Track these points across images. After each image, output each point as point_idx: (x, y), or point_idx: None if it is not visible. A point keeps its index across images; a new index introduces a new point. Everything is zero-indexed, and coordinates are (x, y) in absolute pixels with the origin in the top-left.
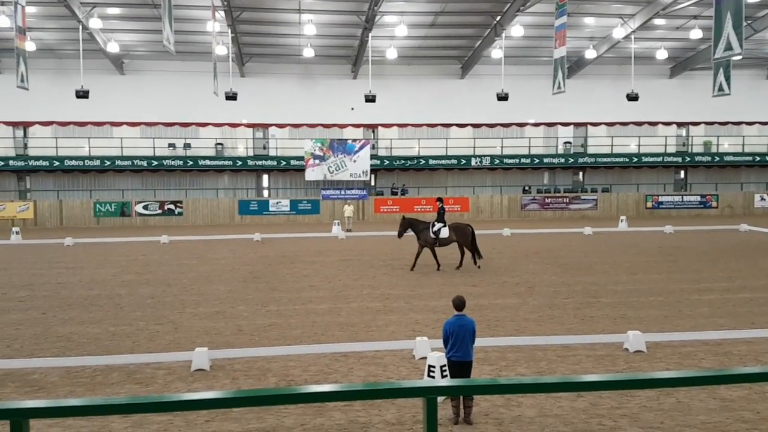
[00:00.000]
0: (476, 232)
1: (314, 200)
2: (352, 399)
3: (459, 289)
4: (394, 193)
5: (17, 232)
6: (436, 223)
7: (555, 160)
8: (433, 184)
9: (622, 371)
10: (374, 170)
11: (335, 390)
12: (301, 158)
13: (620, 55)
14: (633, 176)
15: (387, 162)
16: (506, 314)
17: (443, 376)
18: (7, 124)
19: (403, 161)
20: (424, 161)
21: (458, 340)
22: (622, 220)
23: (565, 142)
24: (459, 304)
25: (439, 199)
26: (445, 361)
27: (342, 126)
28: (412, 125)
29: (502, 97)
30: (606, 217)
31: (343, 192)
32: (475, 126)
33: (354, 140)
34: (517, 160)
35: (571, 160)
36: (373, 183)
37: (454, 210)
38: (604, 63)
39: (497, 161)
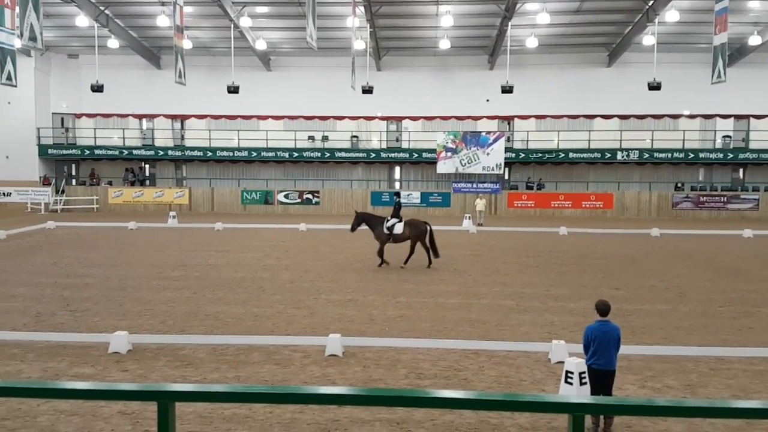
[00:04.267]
0: (624, 231)
1: (445, 193)
2: (490, 408)
3: (601, 292)
4: (529, 188)
5: (174, 217)
6: (390, 218)
7: (712, 156)
8: (573, 178)
9: None
10: (508, 163)
11: (472, 398)
12: (433, 151)
13: None
14: None
15: (522, 155)
16: (653, 321)
17: (582, 384)
18: (167, 116)
19: (540, 154)
20: (563, 154)
21: (600, 347)
22: None
23: (724, 136)
24: (604, 309)
25: (396, 194)
26: (584, 368)
27: (476, 118)
28: (551, 117)
29: (654, 87)
30: None
31: (475, 185)
32: (623, 117)
33: (488, 132)
34: (669, 155)
35: (731, 155)
36: (507, 177)
37: (596, 207)
38: None
39: (646, 155)
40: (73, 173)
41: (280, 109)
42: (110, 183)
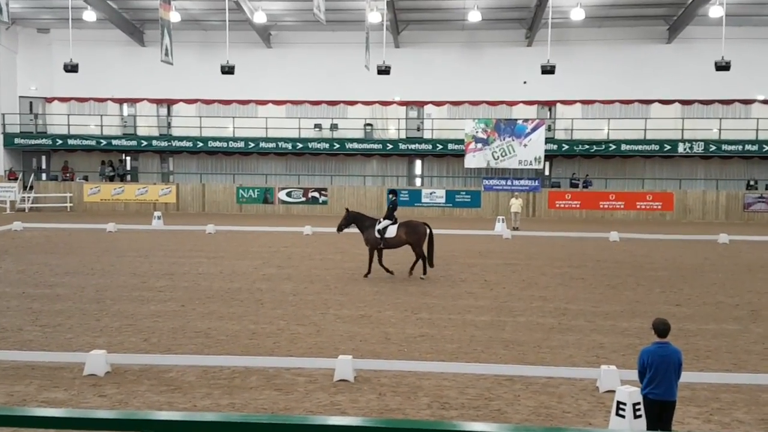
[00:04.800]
0: (686, 237)
1: (474, 191)
2: None
3: (659, 309)
4: (574, 185)
5: (159, 217)
6: (383, 219)
7: None
8: (626, 174)
9: None
10: (549, 156)
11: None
12: (460, 141)
13: None
14: None
15: (566, 147)
16: (721, 344)
17: (636, 417)
18: (151, 101)
19: (587, 146)
20: (614, 146)
21: (659, 374)
22: None
23: None
24: (663, 329)
25: (392, 191)
26: (639, 398)
27: (511, 103)
28: (600, 102)
29: (722, 67)
30: None
31: (509, 182)
32: (685, 103)
33: (525, 120)
34: (740, 147)
35: None
36: (547, 172)
37: (653, 208)
38: None
39: (713, 148)
40: (43, 166)
41: (281, 92)
42: (86, 178)
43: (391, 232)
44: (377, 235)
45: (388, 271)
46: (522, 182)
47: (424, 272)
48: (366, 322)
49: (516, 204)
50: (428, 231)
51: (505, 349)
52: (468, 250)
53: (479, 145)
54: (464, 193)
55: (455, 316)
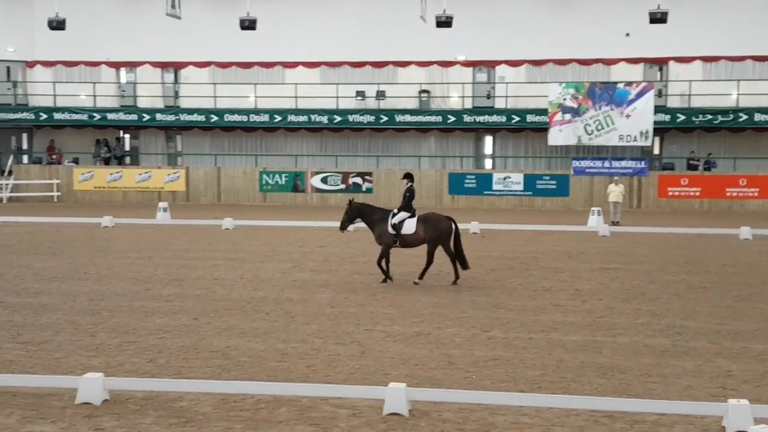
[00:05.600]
0: None
1: (561, 176)
2: None
3: None
4: (692, 167)
5: (165, 209)
6: (397, 211)
7: None
8: (761, 153)
9: None
10: (660, 130)
11: None
12: (543, 112)
13: None
14: None
15: (682, 117)
16: None
17: None
18: (155, 65)
19: (709, 116)
20: (745, 116)
21: None
22: None
23: None
24: None
25: (408, 176)
26: None
27: (609, 62)
28: (727, 59)
29: None
30: None
31: (607, 164)
32: None
33: (628, 84)
34: None
35: None
36: (657, 151)
37: None
38: None
39: None
40: (24, 146)
41: (315, 52)
42: (76, 161)
43: (409, 227)
44: (391, 231)
45: (387, 276)
46: (624, 164)
47: (456, 276)
48: (423, 342)
49: (616, 192)
50: (453, 227)
51: (602, 378)
52: (553, 251)
53: (567, 116)
54: (548, 177)
55: (537, 334)
